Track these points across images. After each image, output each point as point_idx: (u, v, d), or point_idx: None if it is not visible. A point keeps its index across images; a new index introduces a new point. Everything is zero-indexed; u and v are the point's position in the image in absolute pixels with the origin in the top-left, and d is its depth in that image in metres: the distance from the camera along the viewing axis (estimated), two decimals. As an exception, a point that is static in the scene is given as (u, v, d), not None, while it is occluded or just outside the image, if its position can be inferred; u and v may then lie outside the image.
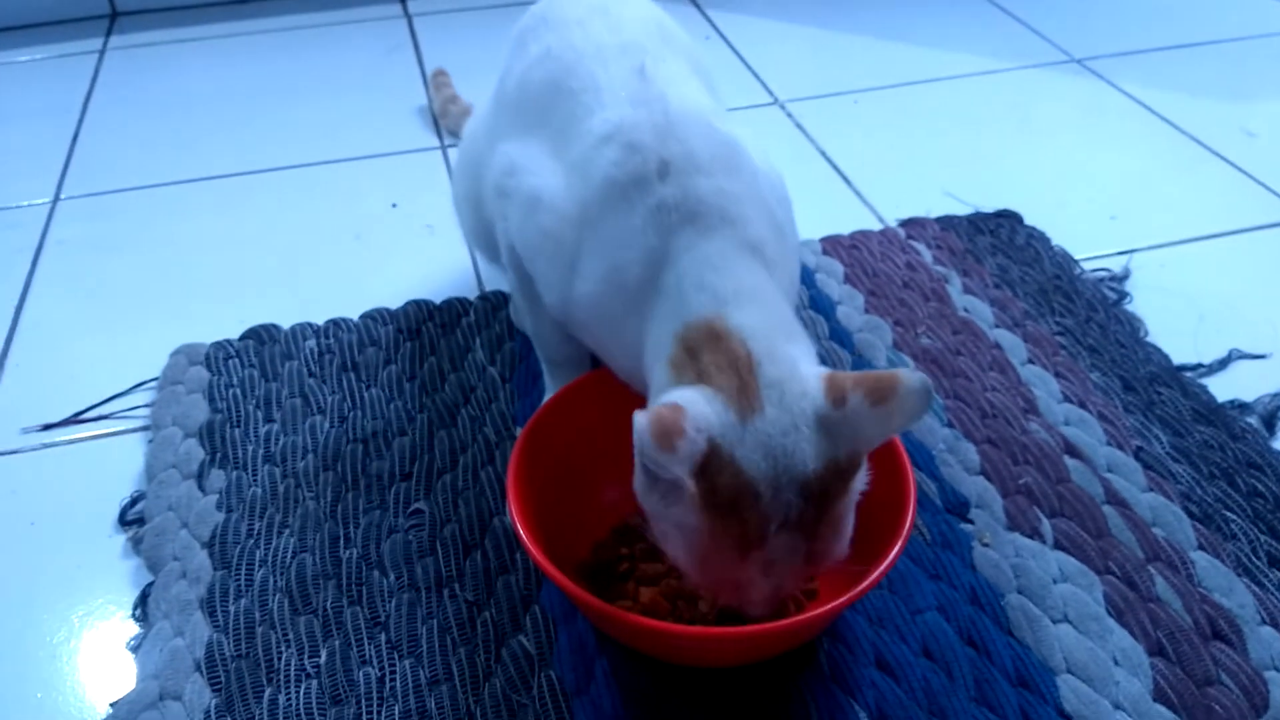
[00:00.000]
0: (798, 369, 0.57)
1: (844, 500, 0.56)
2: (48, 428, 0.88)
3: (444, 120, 1.29)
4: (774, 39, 1.55)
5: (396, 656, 0.68)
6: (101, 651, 0.71)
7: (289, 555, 0.75)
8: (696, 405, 0.55)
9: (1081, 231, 1.08)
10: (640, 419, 0.52)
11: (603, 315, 0.67)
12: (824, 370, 0.58)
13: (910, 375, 0.53)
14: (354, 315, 0.98)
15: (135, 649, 0.70)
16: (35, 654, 0.70)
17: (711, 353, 0.58)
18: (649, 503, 0.58)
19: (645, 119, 0.65)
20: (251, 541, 0.76)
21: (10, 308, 1.02)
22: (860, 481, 0.58)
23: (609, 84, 0.68)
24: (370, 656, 0.68)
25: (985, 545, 0.75)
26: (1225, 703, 0.65)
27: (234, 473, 0.81)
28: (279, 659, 0.68)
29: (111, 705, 0.66)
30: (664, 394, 0.57)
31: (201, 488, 0.80)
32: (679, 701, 0.65)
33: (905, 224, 1.10)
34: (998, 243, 1.07)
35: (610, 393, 0.70)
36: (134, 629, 0.71)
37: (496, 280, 1.02)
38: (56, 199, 1.20)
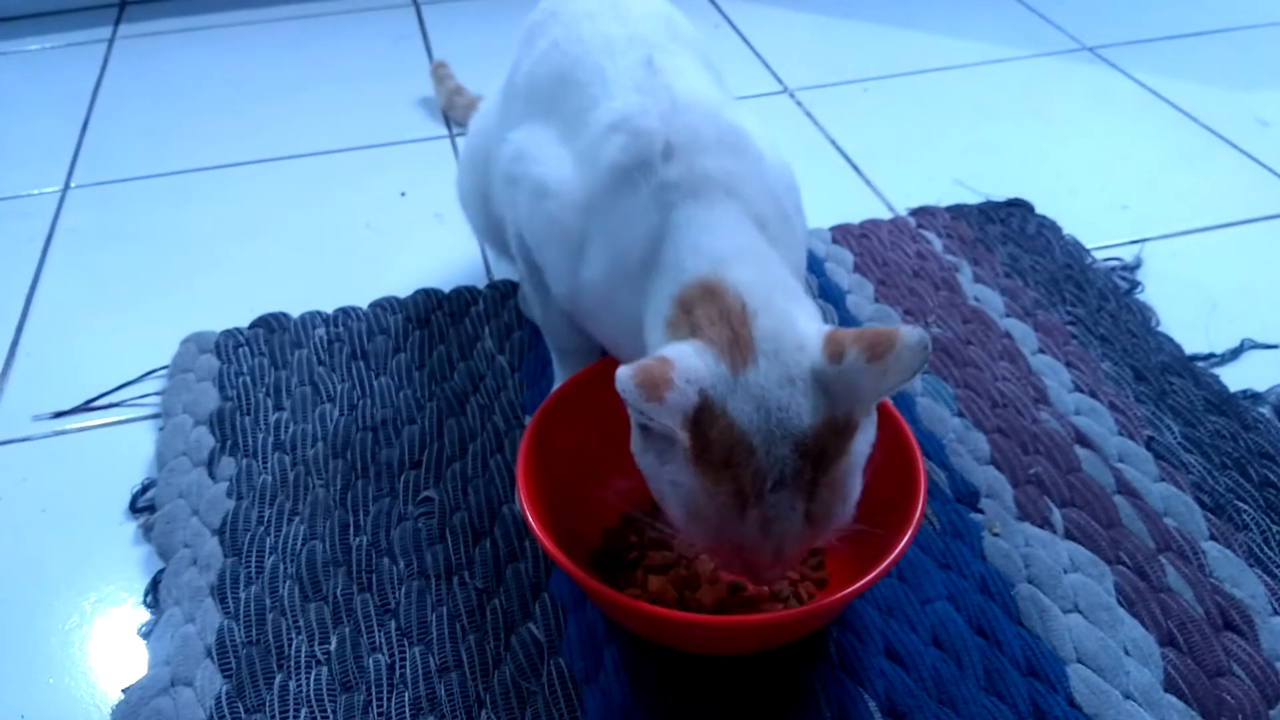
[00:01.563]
0: (795, 324, 0.56)
1: (844, 461, 0.55)
2: (59, 415, 0.88)
3: (451, 112, 1.29)
4: (783, 27, 1.54)
5: (406, 643, 0.68)
6: (113, 638, 0.71)
7: (299, 542, 0.75)
8: (686, 358, 0.54)
9: (1093, 220, 1.08)
10: (623, 370, 0.52)
11: (609, 301, 0.67)
12: (826, 327, 0.57)
13: (909, 330, 0.52)
14: (363, 303, 0.98)
15: (147, 635, 0.70)
16: (47, 640, 0.71)
17: (705, 306, 0.57)
18: (644, 462, 0.57)
19: (652, 106, 0.65)
20: (262, 529, 0.76)
21: (21, 296, 1.02)
22: (864, 444, 0.56)
23: (616, 75, 0.68)
24: (380, 643, 0.68)
25: (995, 535, 0.75)
26: (1237, 693, 0.64)
27: (244, 460, 0.82)
28: (289, 645, 0.68)
29: (123, 691, 0.66)
30: (656, 351, 0.56)
31: (212, 475, 0.81)
32: (687, 690, 0.65)
33: (915, 213, 1.10)
34: (1008, 232, 1.06)
35: (620, 381, 0.70)
36: (145, 615, 0.72)
37: (505, 269, 1.02)
38: (66, 187, 1.20)
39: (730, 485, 0.54)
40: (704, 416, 0.54)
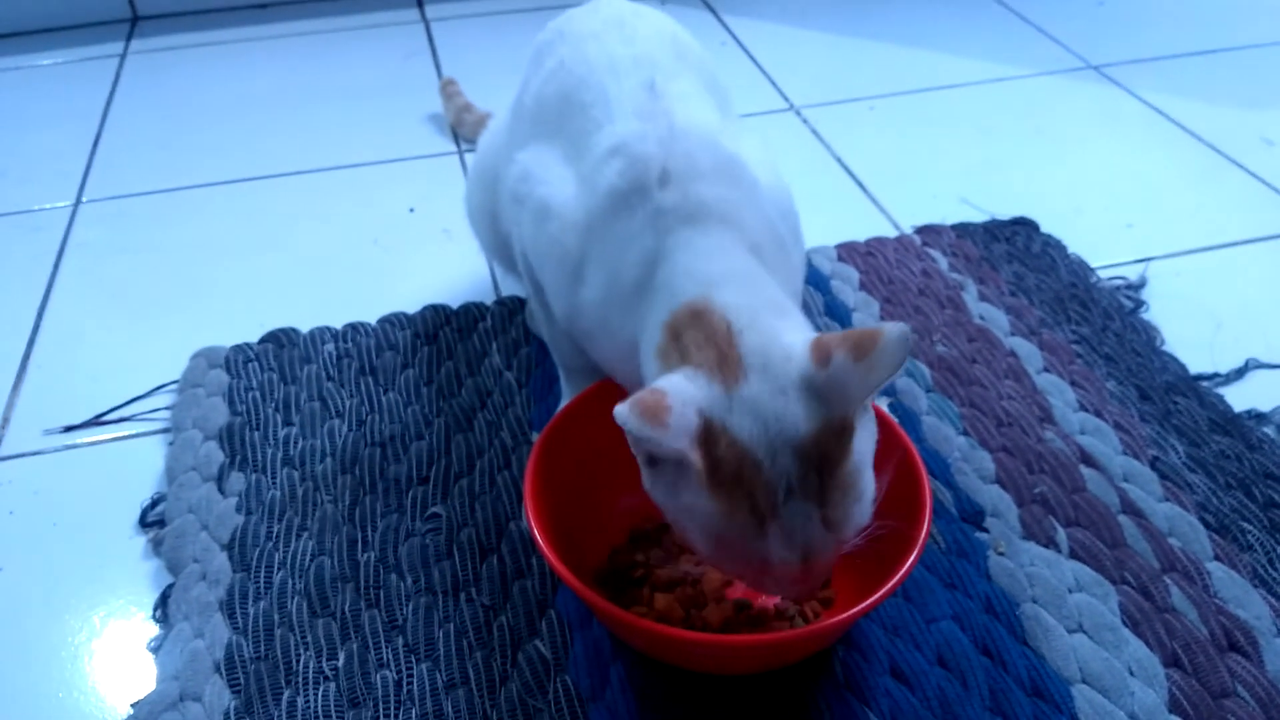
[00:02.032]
0: (780, 336, 0.57)
1: (848, 463, 0.55)
2: (69, 429, 0.89)
3: (460, 129, 1.30)
4: (789, 44, 1.55)
5: (414, 660, 0.69)
6: (122, 652, 0.71)
7: (308, 558, 0.75)
8: (678, 385, 0.55)
9: (1098, 239, 1.08)
10: (621, 406, 0.53)
11: (605, 321, 0.67)
12: (812, 335, 0.58)
13: (892, 325, 0.53)
14: (372, 319, 0.98)
15: (156, 650, 0.70)
16: (57, 654, 0.71)
17: (692, 331, 0.58)
18: (657, 496, 0.58)
19: (650, 132, 0.66)
20: (270, 544, 0.76)
21: (33, 310, 1.03)
22: (866, 443, 0.57)
23: (618, 98, 0.69)
24: (388, 659, 0.69)
25: (1000, 554, 0.75)
26: (1241, 715, 0.64)
27: (253, 475, 0.82)
28: (298, 661, 0.69)
29: (132, 706, 0.67)
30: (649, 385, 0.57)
31: (221, 490, 0.81)
32: (693, 708, 0.65)
33: (921, 231, 1.10)
34: (1014, 250, 1.07)
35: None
36: (154, 630, 0.72)
37: (512, 285, 1.03)
38: (78, 202, 1.21)
39: (745, 502, 0.55)
40: (708, 437, 0.55)
